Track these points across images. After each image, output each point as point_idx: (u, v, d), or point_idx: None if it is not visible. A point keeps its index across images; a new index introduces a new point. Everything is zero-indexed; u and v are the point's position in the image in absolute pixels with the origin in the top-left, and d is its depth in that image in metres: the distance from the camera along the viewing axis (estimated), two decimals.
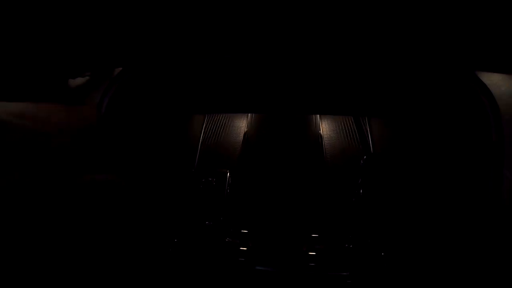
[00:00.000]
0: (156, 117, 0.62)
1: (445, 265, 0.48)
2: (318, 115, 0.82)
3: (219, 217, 0.66)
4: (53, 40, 0.54)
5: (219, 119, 0.86)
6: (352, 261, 0.61)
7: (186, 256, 0.63)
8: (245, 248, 0.63)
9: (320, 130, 0.79)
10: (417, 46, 0.42)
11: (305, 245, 0.65)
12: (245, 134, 0.81)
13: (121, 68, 0.76)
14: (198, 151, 0.80)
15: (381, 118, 0.77)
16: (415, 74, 0.45)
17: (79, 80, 0.77)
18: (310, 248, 0.64)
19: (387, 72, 0.46)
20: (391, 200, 0.62)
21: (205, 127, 0.85)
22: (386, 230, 0.61)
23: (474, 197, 0.42)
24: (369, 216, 0.63)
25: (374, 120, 0.81)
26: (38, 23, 0.49)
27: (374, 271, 0.59)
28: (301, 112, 0.76)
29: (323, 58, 0.44)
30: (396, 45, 0.43)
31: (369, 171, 0.68)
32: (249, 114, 0.83)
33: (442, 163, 0.53)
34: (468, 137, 0.44)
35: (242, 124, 0.85)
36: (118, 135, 0.53)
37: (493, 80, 0.57)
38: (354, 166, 0.73)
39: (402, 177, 0.62)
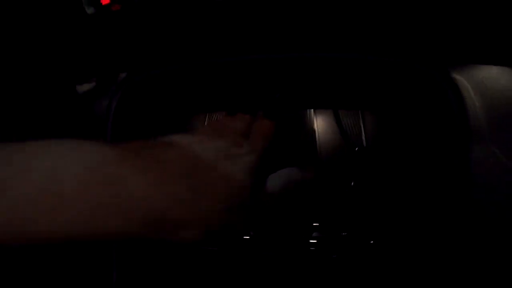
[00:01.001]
0: (160, 117, 0.66)
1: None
2: (312, 111, 0.85)
3: None
4: (59, 48, 0.57)
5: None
6: (343, 247, 0.66)
7: (185, 246, 0.67)
8: (247, 237, 0.68)
9: (314, 125, 0.83)
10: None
11: (305, 233, 0.70)
12: None
13: (125, 73, 0.79)
14: None
15: (369, 111, 0.81)
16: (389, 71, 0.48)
17: (86, 86, 0.81)
18: (310, 236, 0.69)
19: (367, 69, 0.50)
20: (381, 191, 0.66)
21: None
22: (376, 219, 0.66)
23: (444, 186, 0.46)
24: (360, 206, 0.68)
25: (367, 114, 0.85)
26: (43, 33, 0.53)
27: (361, 256, 0.64)
28: (295, 108, 0.80)
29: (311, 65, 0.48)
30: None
31: (360, 163, 0.72)
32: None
33: (417, 155, 0.57)
34: (436, 129, 0.48)
35: None
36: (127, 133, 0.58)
37: (492, 74, 0.61)
38: (347, 159, 0.77)
39: (391, 169, 0.67)
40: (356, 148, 0.75)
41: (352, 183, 0.69)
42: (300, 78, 0.55)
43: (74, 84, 0.76)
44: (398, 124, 0.66)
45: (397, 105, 0.58)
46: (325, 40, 0.46)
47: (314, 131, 0.82)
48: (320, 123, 0.86)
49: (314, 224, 0.71)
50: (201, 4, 0.43)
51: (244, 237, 0.67)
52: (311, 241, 0.68)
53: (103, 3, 0.48)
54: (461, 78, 0.60)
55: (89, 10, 0.49)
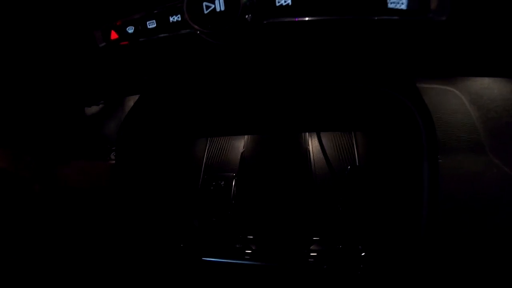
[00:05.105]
0: (166, 143, 0.72)
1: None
2: (307, 133, 0.92)
3: (226, 212, 0.77)
4: (72, 73, 0.62)
5: (219, 141, 0.96)
6: (335, 259, 0.69)
7: (191, 259, 0.71)
8: (249, 251, 0.72)
9: (309, 145, 0.89)
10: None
11: (304, 246, 0.73)
12: (242, 153, 0.90)
13: (131, 96, 0.84)
14: (203, 169, 0.91)
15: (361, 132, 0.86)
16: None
17: (94, 109, 0.86)
18: (309, 249, 0.73)
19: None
20: (370, 205, 0.71)
21: (208, 148, 0.95)
22: (366, 231, 0.70)
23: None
24: (352, 220, 0.72)
25: (359, 134, 0.90)
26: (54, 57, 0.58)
27: (350, 266, 0.67)
28: (289, 131, 0.85)
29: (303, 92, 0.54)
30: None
31: (352, 180, 0.77)
32: (245, 136, 0.92)
33: (393, 170, 0.62)
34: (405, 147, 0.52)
35: (239, 145, 0.94)
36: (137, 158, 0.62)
37: (484, 84, 0.63)
38: (340, 177, 0.82)
39: (378, 186, 0.71)
40: (348, 167, 0.81)
41: (343, 199, 0.74)
42: (291, 105, 0.60)
43: (82, 106, 0.82)
44: (380, 143, 0.71)
45: (373, 125, 0.63)
46: (312, 73, 0.52)
47: (308, 151, 0.88)
48: (314, 144, 0.91)
49: (314, 238, 0.75)
50: (197, 46, 0.49)
51: (247, 250, 0.72)
52: (310, 253, 0.71)
53: (112, 38, 0.53)
54: (455, 91, 0.65)
55: (101, 44, 0.55)
